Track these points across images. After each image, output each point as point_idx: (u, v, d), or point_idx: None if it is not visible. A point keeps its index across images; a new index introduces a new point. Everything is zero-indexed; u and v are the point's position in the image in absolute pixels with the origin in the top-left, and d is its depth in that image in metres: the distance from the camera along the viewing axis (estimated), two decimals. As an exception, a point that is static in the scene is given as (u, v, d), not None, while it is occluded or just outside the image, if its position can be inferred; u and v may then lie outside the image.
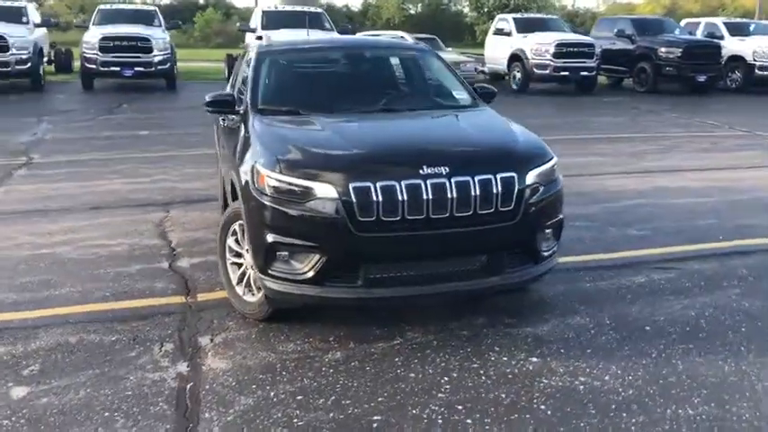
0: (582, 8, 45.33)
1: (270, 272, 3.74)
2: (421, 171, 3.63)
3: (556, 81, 18.52)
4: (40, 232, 6.07)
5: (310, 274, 3.66)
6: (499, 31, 19.67)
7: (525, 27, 19.14)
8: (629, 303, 4.54)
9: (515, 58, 18.38)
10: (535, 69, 17.83)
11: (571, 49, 17.75)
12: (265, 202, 3.70)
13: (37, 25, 17.28)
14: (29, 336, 4.03)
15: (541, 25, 19.59)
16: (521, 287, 4.39)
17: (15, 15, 16.57)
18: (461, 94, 5.11)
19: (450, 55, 17.23)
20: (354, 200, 3.55)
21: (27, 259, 5.37)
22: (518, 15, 21.75)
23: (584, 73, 17.94)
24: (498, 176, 3.74)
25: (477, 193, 3.67)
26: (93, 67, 16.02)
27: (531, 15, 23.99)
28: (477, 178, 3.69)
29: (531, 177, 3.89)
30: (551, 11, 36.49)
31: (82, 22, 19.55)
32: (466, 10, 38.90)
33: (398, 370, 3.64)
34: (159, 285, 4.83)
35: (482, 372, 3.62)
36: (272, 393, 3.41)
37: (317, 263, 3.64)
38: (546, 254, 4.05)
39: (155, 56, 16.30)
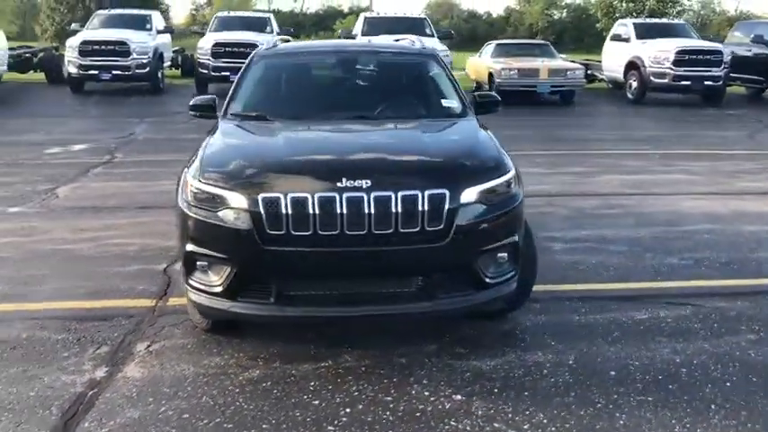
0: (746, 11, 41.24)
1: (190, 282, 3.65)
2: (338, 184, 3.38)
3: (677, 91, 17.01)
4: (76, 228, 6.34)
5: (221, 287, 3.52)
6: (617, 37, 18.49)
7: (645, 33, 17.78)
8: (609, 342, 4.01)
9: (632, 65, 17.16)
10: (653, 78, 16.53)
11: (694, 57, 16.21)
12: (185, 211, 3.60)
13: (159, 32, 18.26)
14: (-14, 328, 4.17)
15: (664, 31, 18.08)
16: (459, 315, 4.01)
17: (140, 23, 17.78)
18: (452, 103, 4.77)
19: (555, 62, 16.46)
20: (263, 212, 3.37)
21: (44, 254, 5.63)
22: (639, 20, 20.39)
23: (709, 82, 16.32)
24: (426, 193, 3.41)
25: (399, 210, 3.37)
26: (206, 72, 16.55)
27: (653, 20, 22.16)
28: (400, 194, 3.38)
29: (469, 195, 3.52)
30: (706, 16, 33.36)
31: (200, 28, 19.86)
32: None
33: (305, 396, 3.41)
34: (140, 287, 4.87)
35: (392, 406, 3.31)
36: (162, 409, 3.30)
37: (227, 276, 3.50)
38: (492, 281, 3.65)
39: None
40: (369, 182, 3.40)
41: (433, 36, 16.54)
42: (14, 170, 8.79)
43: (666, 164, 9.67)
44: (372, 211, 3.35)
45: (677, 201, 7.61)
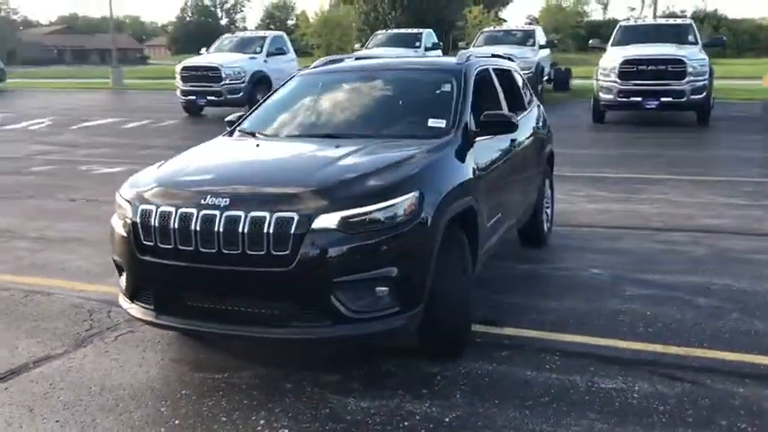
0: None
1: (120, 283, 3.99)
2: (202, 201, 3.44)
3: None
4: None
5: (123, 289, 3.81)
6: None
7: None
8: (536, 416, 3.36)
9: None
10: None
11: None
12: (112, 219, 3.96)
13: (541, 46, 18.98)
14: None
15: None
16: (314, 345, 3.86)
17: (524, 39, 18.95)
18: (439, 123, 4.42)
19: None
20: (139, 222, 3.57)
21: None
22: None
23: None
24: (275, 216, 3.29)
25: (246, 230, 3.31)
26: (610, 97, 13.83)
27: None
28: (250, 215, 3.32)
29: (326, 220, 3.29)
30: None
31: (599, 42, 16.57)
32: None
33: (192, 408, 3.44)
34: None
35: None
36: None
37: (125, 279, 3.78)
38: (357, 315, 3.36)
39: (688, 83, 13.42)
40: (227, 201, 3.39)
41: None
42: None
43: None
44: (221, 229, 3.34)
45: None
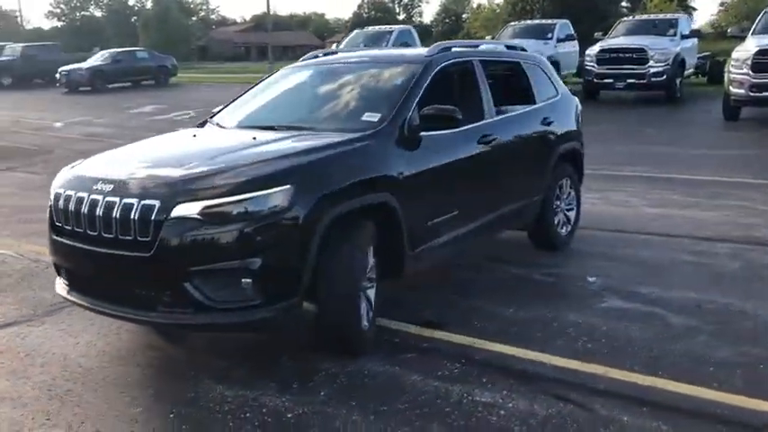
0: None
1: None
2: (93, 186, 3.67)
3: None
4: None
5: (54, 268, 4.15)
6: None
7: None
8: (376, 422, 3.25)
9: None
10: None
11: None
12: None
13: (684, 36, 17.33)
14: None
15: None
16: (181, 330, 3.98)
17: (664, 28, 17.46)
18: (372, 117, 4.33)
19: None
20: (51, 204, 3.89)
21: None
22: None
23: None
24: (141, 203, 3.45)
25: (118, 216, 3.49)
26: (741, 92, 12.82)
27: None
28: (123, 201, 3.50)
29: (187, 209, 3.38)
30: None
31: (739, 31, 15.72)
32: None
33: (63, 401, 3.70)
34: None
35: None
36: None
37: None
38: (216, 304, 3.42)
39: None
40: (110, 187, 3.60)
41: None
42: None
43: None
44: (101, 213, 3.55)
45: None
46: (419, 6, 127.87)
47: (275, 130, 4.44)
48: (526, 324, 4.38)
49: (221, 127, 4.84)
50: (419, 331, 4.29)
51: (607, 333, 4.21)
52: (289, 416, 3.30)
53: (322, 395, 3.49)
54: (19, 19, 65.57)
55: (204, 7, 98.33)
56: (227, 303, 3.45)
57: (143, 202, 3.44)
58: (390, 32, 18.89)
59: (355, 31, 20.51)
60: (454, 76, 5.06)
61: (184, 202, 3.40)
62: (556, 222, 5.90)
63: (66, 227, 3.77)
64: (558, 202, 5.93)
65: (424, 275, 4.80)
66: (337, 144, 4.00)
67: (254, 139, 4.18)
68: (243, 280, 3.41)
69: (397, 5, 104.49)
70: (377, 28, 20.78)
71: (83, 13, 79.25)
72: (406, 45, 18.51)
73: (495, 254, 5.86)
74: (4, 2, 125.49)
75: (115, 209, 3.49)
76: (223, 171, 3.63)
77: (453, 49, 5.16)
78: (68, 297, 3.93)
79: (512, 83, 5.70)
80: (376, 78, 4.81)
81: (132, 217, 3.44)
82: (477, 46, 5.90)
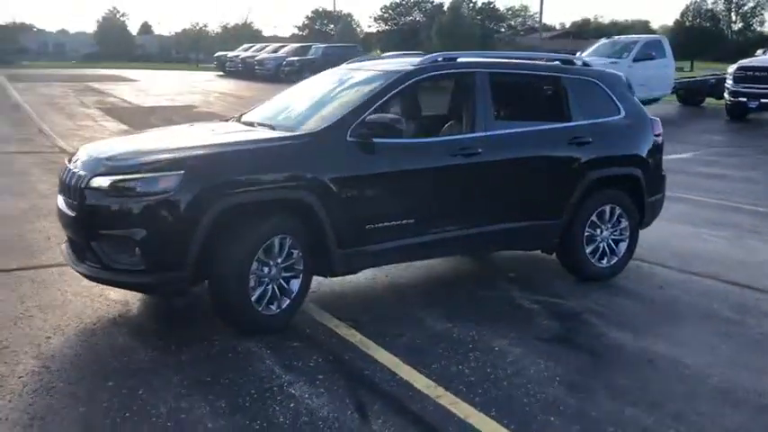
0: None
1: None
2: (74, 159, 4.55)
3: None
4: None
5: None
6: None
7: None
8: (147, 396, 3.55)
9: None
10: None
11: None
12: None
13: None
14: None
15: None
16: (93, 281, 4.44)
17: None
18: (322, 121, 4.62)
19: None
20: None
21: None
22: None
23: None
24: (78, 174, 4.22)
25: (72, 182, 4.31)
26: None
27: None
28: (77, 172, 4.30)
29: (99, 181, 4.06)
30: None
31: None
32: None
33: None
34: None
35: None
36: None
37: None
38: (114, 264, 4.06)
39: None
40: (79, 161, 4.44)
41: None
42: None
43: None
44: (67, 180, 4.40)
45: None
46: (760, 15, 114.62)
47: (254, 126, 4.96)
48: (440, 341, 4.30)
49: (237, 121, 5.43)
50: (336, 327, 4.47)
51: (504, 373, 3.97)
52: (134, 367, 3.82)
53: (183, 359, 3.94)
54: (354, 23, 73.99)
55: (522, 14, 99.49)
56: (121, 265, 4.07)
57: (79, 173, 4.22)
58: (635, 43, 17.78)
59: (602, 40, 19.64)
60: (441, 87, 5.02)
61: (100, 175, 4.11)
62: (590, 251, 5.46)
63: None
64: (596, 230, 5.47)
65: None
66: (266, 141, 4.41)
67: (213, 131, 4.75)
68: (137, 248, 4.00)
69: (733, 13, 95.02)
70: (622, 38, 19.64)
71: (408, 18, 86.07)
72: (650, 57, 17.28)
73: (519, 272, 5.68)
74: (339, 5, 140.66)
75: (73, 177, 4.31)
76: (139, 154, 4.26)
77: (458, 60, 5.12)
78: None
79: (539, 98, 5.41)
80: (359, 86, 5.00)
81: (73, 184, 4.23)
82: (510, 57, 5.70)
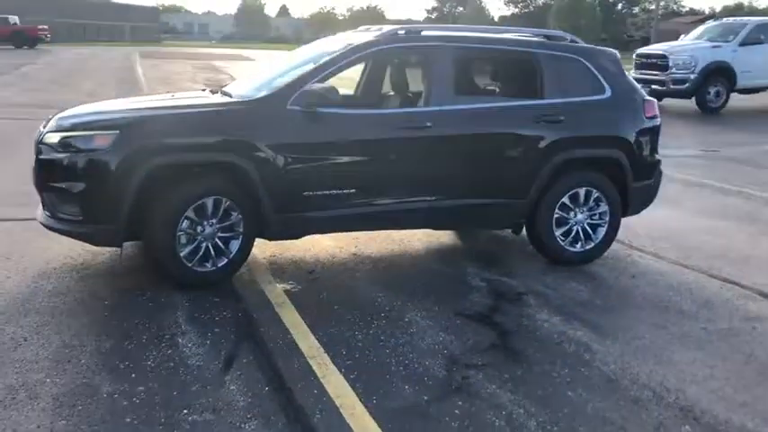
0: None
1: None
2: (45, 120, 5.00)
3: None
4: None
5: None
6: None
7: None
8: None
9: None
10: None
11: None
12: None
13: None
14: None
15: None
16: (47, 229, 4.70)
17: None
18: (268, 89, 4.81)
19: None
20: None
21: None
22: None
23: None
24: (41, 130, 4.67)
25: (35, 139, 4.74)
26: None
27: None
28: (40, 129, 4.75)
29: (51, 137, 4.47)
30: None
31: None
32: None
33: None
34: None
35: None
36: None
37: None
38: (59, 214, 4.44)
39: None
40: (46, 121, 4.88)
41: None
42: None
43: None
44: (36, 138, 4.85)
45: None
46: None
47: (215, 93, 5.20)
48: (349, 307, 4.36)
49: (213, 92, 5.63)
50: (269, 288, 4.64)
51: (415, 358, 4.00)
52: (62, 307, 4.19)
53: (107, 303, 4.27)
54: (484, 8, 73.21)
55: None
56: (65, 215, 4.46)
57: (40, 129, 4.65)
58: (744, 25, 16.40)
59: (709, 22, 18.31)
60: (399, 60, 5.00)
61: (51, 132, 4.51)
62: (561, 233, 5.29)
63: None
64: (568, 213, 5.29)
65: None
66: (204, 107, 4.68)
67: (172, 96, 5.04)
68: (75, 200, 4.37)
69: None
70: (731, 20, 18.12)
71: (540, 1, 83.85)
72: (759, 41, 15.92)
73: (491, 251, 5.64)
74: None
75: (38, 134, 4.75)
76: (88, 115, 4.64)
77: (422, 34, 5.10)
78: None
79: (508, 74, 5.27)
80: (320, 57, 5.08)
81: (35, 139, 4.67)
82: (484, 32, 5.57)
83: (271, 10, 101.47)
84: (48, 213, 4.58)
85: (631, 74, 16.57)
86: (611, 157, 5.34)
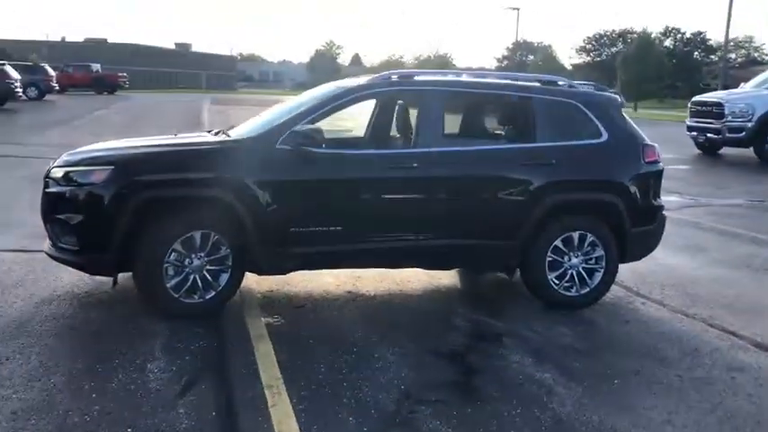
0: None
1: None
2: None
3: None
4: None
5: None
6: None
7: None
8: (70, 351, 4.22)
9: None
10: None
11: None
12: None
13: None
14: None
15: None
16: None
17: None
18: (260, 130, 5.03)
19: None
20: None
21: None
22: None
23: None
24: (50, 164, 5.02)
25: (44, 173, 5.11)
26: None
27: None
28: (49, 164, 5.10)
29: (57, 172, 4.79)
30: None
31: None
32: None
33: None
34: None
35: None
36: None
37: None
38: (60, 244, 4.73)
39: None
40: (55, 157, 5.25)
41: None
42: None
43: None
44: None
45: None
46: None
47: (217, 134, 5.47)
48: (323, 341, 4.45)
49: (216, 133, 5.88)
50: (253, 321, 4.78)
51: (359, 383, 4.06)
52: (48, 330, 4.45)
53: (93, 329, 4.51)
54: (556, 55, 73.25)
55: (746, 45, 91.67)
56: (64, 245, 4.75)
57: (49, 165, 5.00)
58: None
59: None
60: (392, 103, 5.14)
61: (57, 167, 4.85)
62: (555, 277, 5.26)
63: None
64: (562, 257, 5.26)
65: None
66: (196, 145, 4.91)
67: (174, 137, 5.33)
68: (73, 230, 4.67)
69: None
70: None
71: (613, 49, 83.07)
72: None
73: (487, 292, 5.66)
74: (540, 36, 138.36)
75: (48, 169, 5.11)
76: (91, 152, 4.95)
77: (414, 78, 5.26)
78: None
79: (499, 118, 5.35)
80: (314, 100, 5.29)
81: (44, 174, 5.02)
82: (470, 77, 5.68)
83: (344, 59, 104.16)
84: (51, 243, 4.89)
85: (687, 121, 16.33)
86: (605, 201, 5.31)
